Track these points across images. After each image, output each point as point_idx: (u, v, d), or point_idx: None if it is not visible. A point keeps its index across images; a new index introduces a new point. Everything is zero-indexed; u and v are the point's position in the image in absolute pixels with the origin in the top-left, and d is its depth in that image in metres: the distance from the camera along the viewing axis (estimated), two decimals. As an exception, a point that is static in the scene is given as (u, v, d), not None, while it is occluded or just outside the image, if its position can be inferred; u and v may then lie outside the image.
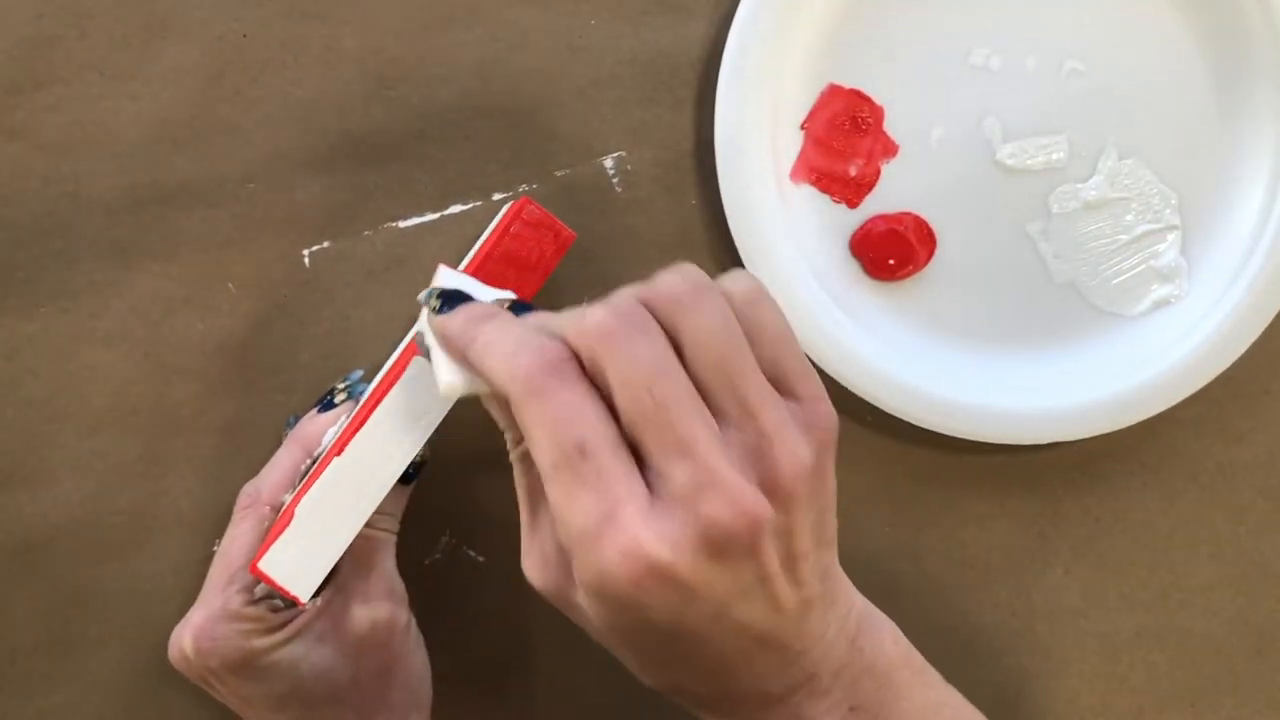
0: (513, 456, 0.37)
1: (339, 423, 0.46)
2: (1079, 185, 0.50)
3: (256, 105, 0.49)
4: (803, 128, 0.50)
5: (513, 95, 0.50)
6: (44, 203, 0.49)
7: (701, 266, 0.50)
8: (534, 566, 0.36)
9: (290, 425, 0.48)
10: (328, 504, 0.43)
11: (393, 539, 0.46)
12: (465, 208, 0.50)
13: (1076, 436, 0.50)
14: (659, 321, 0.33)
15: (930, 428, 0.50)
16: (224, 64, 0.49)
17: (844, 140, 0.50)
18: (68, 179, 0.49)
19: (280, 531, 0.42)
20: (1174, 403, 0.50)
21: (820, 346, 0.49)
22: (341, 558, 0.44)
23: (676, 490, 0.31)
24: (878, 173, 0.50)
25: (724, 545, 0.31)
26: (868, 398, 0.49)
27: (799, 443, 0.33)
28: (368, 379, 0.49)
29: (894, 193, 0.50)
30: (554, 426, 0.32)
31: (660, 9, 0.50)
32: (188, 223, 0.49)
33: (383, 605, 0.45)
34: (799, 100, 0.50)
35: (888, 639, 0.38)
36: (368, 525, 0.45)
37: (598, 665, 0.52)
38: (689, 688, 0.36)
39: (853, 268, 0.51)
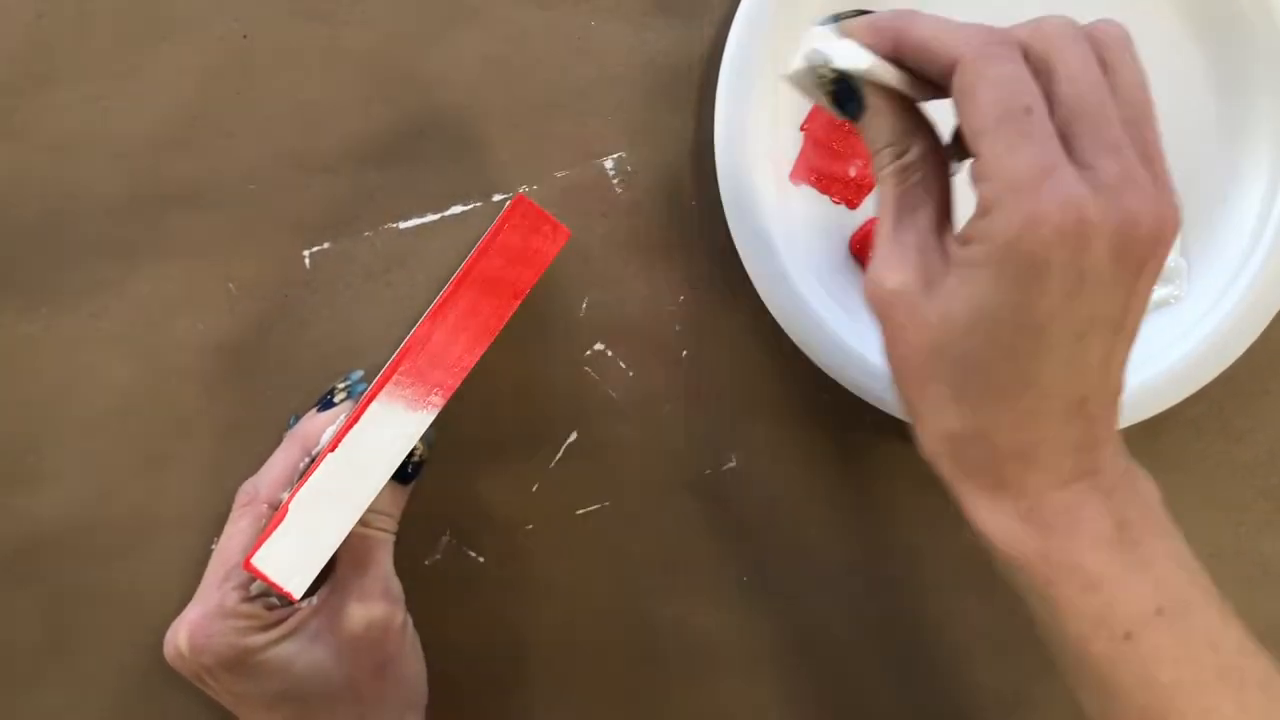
0: (888, 170, 0.37)
1: (337, 421, 0.46)
2: None
3: (257, 106, 0.49)
4: (802, 129, 0.50)
5: (513, 95, 0.50)
6: (44, 203, 0.49)
7: (701, 268, 0.51)
8: (891, 266, 0.36)
9: (292, 425, 0.48)
10: (321, 501, 0.43)
11: (391, 538, 0.46)
12: (466, 208, 0.50)
13: None
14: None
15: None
16: (224, 65, 0.49)
17: (844, 141, 0.50)
18: (68, 179, 0.49)
19: (274, 528, 0.43)
20: (1173, 403, 0.50)
21: (822, 347, 0.49)
22: (339, 556, 0.44)
23: (1105, 180, 0.33)
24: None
25: (1129, 245, 0.33)
26: (869, 399, 0.49)
27: (1174, 203, 0.35)
28: (368, 379, 0.49)
29: None
30: (1005, 85, 0.33)
31: (660, 10, 0.50)
32: (188, 223, 0.49)
33: (379, 604, 0.45)
34: (799, 101, 0.50)
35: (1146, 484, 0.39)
36: (366, 524, 0.44)
37: (596, 666, 0.52)
38: (991, 434, 0.36)
39: (853, 269, 0.51)
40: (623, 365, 0.51)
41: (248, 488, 0.46)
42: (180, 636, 0.43)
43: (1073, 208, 0.32)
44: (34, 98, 0.49)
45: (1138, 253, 0.34)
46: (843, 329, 0.49)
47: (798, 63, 0.39)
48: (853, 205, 0.50)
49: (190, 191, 0.49)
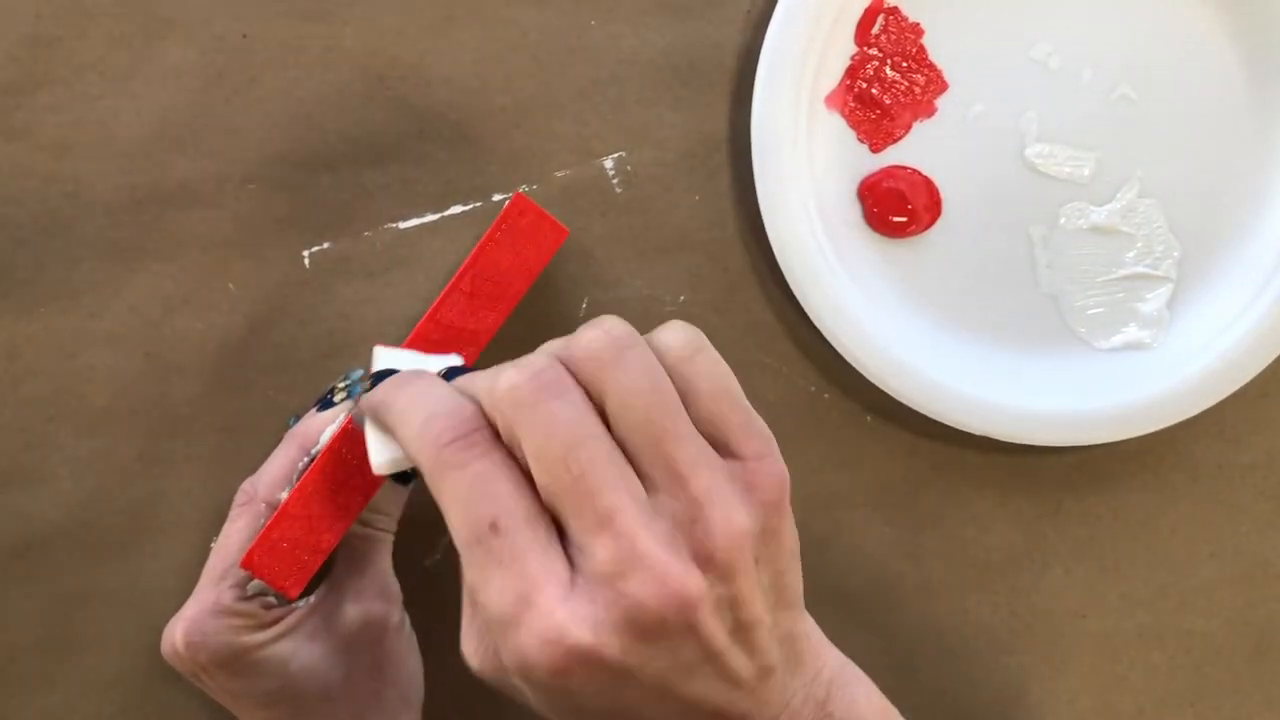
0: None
1: (336, 421, 0.46)
2: (1093, 207, 0.50)
3: (256, 105, 0.49)
4: (858, 44, 0.50)
5: (513, 95, 0.50)
6: (44, 203, 0.49)
7: (702, 267, 0.51)
8: (471, 649, 0.34)
9: (291, 425, 0.48)
10: (319, 501, 0.43)
11: (389, 538, 0.46)
12: (465, 208, 0.50)
13: (1013, 439, 0.50)
14: (581, 381, 0.31)
15: (886, 389, 0.50)
16: (224, 64, 0.49)
17: (895, 98, 0.50)
18: (68, 179, 0.49)
19: (272, 527, 0.43)
20: (1112, 439, 0.50)
21: (802, 282, 0.49)
22: (337, 555, 0.44)
23: (598, 568, 0.30)
24: (909, 127, 0.50)
25: (652, 627, 0.30)
26: (839, 348, 0.49)
27: (734, 507, 0.31)
28: (368, 378, 0.49)
29: (917, 152, 0.50)
30: (465, 502, 0.30)
31: (659, 9, 0.50)
32: (188, 223, 0.49)
33: (375, 604, 0.45)
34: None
35: (861, 699, 0.37)
36: (365, 524, 0.45)
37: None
38: None
39: (854, 211, 0.51)
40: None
41: (246, 487, 0.46)
42: (176, 634, 0.43)
43: (555, 644, 0.29)
44: (34, 98, 0.49)
45: (663, 630, 0.30)
46: (830, 268, 0.49)
47: (356, 413, 0.38)
48: (875, 149, 0.50)
49: (190, 191, 0.49)
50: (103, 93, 0.49)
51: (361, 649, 0.45)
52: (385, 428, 0.35)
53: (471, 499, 0.30)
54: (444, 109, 0.50)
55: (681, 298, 0.51)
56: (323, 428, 0.46)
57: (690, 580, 0.30)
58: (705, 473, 0.31)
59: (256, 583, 0.43)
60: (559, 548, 0.30)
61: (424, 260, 0.50)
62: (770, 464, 0.33)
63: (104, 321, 0.49)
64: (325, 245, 0.50)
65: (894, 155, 0.50)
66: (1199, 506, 0.53)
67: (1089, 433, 0.50)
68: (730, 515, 0.31)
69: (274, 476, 0.46)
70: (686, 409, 0.32)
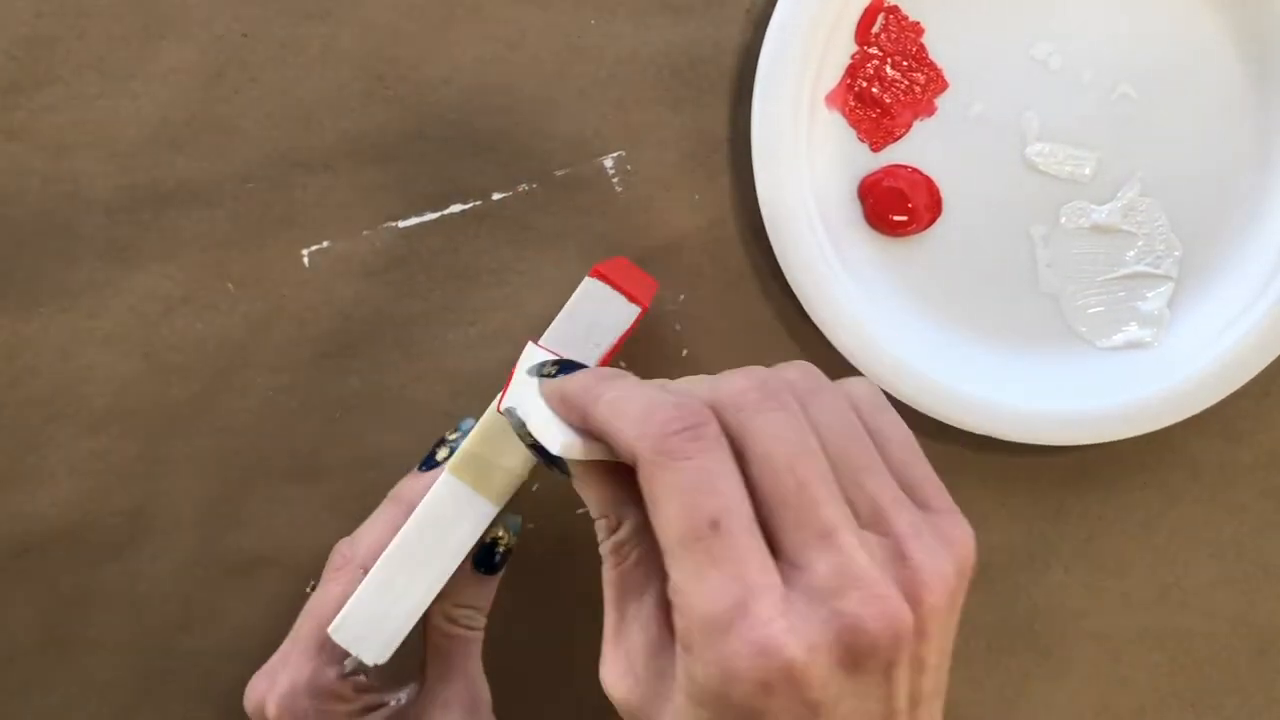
0: (604, 548, 0.33)
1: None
2: (1093, 206, 0.50)
3: (256, 105, 0.49)
4: (857, 40, 0.49)
5: (513, 95, 0.50)
6: (44, 203, 0.49)
7: (702, 267, 0.51)
8: (617, 675, 0.32)
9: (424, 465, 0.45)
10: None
11: (479, 635, 0.43)
12: (465, 207, 0.50)
13: (1013, 438, 0.50)
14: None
15: (886, 389, 0.49)
16: (224, 63, 0.49)
17: (896, 98, 0.50)
18: (67, 179, 0.49)
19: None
20: (1112, 439, 0.50)
21: (802, 282, 0.49)
22: (428, 656, 0.43)
23: (816, 582, 0.28)
24: (909, 126, 0.50)
25: (862, 654, 0.28)
26: (839, 347, 0.49)
27: (939, 554, 0.29)
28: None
29: (917, 151, 0.50)
30: (688, 495, 0.28)
31: (660, 9, 0.50)
32: (187, 222, 0.49)
33: (462, 716, 0.42)
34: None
35: None
36: (451, 621, 0.43)
37: (596, 665, 0.52)
38: None
39: (854, 210, 0.50)
40: (623, 365, 0.51)
41: (344, 549, 0.43)
42: (269, 704, 0.41)
43: (769, 654, 0.27)
44: (33, 97, 0.49)
45: (874, 658, 0.28)
46: (829, 266, 0.49)
47: (508, 403, 0.36)
48: (875, 149, 0.50)
49: (189, 191, 0.49)
50: (102, 92, 0.49)
51: None
52: (582, 419, 0.32)
53: (696, 492, 0.28)
54: (444, 109, 0.50)
55: (681, 297, 0.51)
56: (427, 489, 0.42)
57: (904, 609, 0.28)
58: (907, 512, 0.30)
59: (352, 659, 0.41)
60: (773, 560, 0.29)
61: (424, 260, 0.50)
62: (962, 522, 0.31)
63: (103, 321, 0.49)
64: (324, 244, 0.50)
65: (894, 154, 0.50)
66: (1200, 506, 0.53)
67: (1089, 432, 0.50)
68: (936, 560, 0.29)
69: (373, 539, 0.43)
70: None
